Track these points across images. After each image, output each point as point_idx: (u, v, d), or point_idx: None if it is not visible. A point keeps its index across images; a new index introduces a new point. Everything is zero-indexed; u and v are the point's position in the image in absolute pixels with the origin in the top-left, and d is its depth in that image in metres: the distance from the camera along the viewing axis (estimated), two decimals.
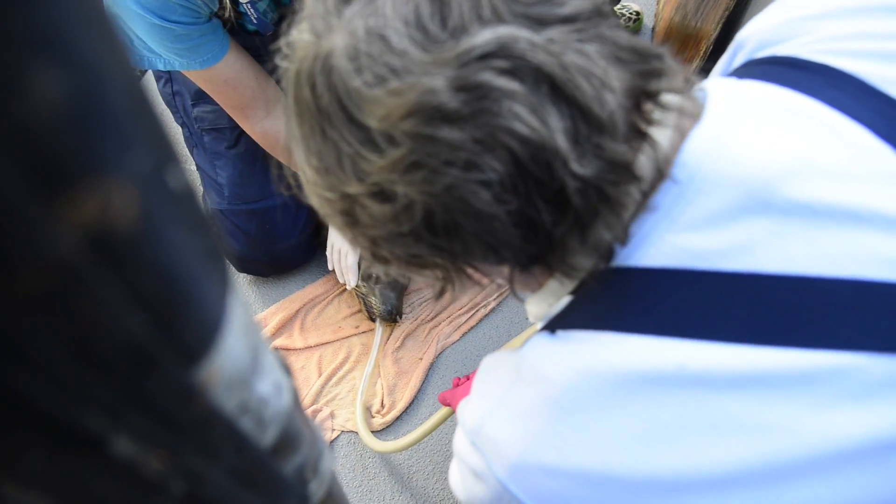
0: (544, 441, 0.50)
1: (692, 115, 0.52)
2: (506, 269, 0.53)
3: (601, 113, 0.45)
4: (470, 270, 0.54)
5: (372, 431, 1.45)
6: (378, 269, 0.55)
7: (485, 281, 0.57)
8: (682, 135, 0.51)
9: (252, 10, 1.27)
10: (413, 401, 1.50)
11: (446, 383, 1.52)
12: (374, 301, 1.53)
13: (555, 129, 0.44)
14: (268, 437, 0.30)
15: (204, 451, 0.25)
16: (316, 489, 0.39)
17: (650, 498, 0.48)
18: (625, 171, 0.47)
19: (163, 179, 0.17)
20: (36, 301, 0.15)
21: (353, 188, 0.47)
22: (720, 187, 0.49)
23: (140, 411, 0.20)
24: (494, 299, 1.63)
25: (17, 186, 0.14)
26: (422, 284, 1.60)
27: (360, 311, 1.61)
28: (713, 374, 0.47)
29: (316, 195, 0.52)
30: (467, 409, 0.57)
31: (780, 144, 0.51)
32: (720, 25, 1.57)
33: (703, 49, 1.63)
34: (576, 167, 0.45)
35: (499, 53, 0.43)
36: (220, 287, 0.22)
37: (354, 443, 1.46)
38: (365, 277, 1.52)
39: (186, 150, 1.63)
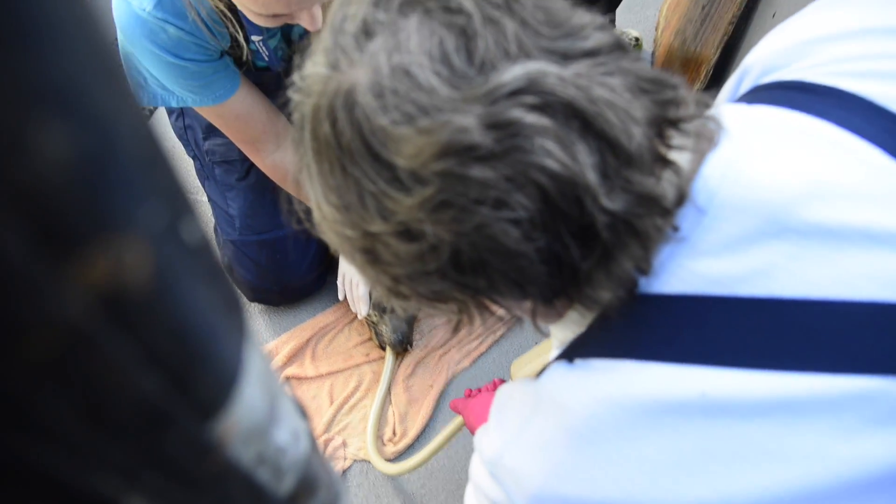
0: (565, 472, 0.50)
1: (708, 139, 0.52)
2: (528, 304, 0.53)
3: (629, 146, 0.45)
4: (490, 305, 0.53)
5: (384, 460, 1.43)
6: (395, 304, 0.54)
7: (504, 314, 0.56)
8: (700, 158, 0.51)
9: (263, 48, 1.28)
10: (425, 428, 1.49)
11: None
12: (385, 330, 1.52)
13: (584, 164, 0.44)
14: (285, 486, 0.29)
15: (222, 500, 0.24)
16: None
17: None
18: (654, 204, 0.47)
19: (177, 234, 0.17)
20: (46, 367, 0.14)
21: (377, 227, 0.46)
22: (738, 212, 0.49)
23: (154, 471, 0.19)
24: (504, 324, 1.62)
25: (23, 248, 0.13)
26: (436, 315, 1.58)
27: (370, 339, 1.60)
28: (737, 401, 0.46)
29: (334, 232, 0.50)
30: (486, 440, 0.56)
31: (796, 167, 0.51)
32: (719, 50, 1.57)
33: (703, 73, 1.63)
34: (605, 202, 0.44)
35: (529, 89, 0.43)
36: (236, 338, 0.21)
37: (367, 472, 1.44)
38: (375, 307, 1.51)
39: (198, 182, 1.64)
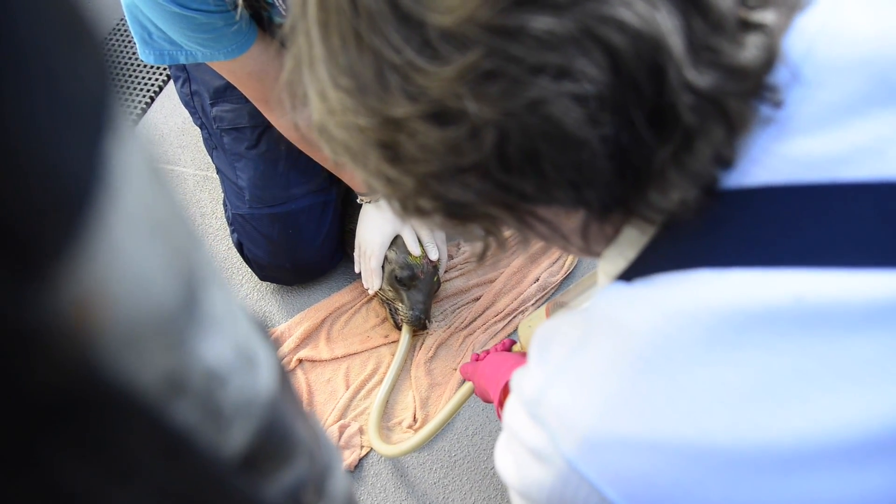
0: (624, 405, 0.41)
1: (795, 3, 0.43)
2: (580, 217, 0.44)
3: (719, 6, 0.37)
4: (533, 220, 0.44)
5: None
6: (413, 223, 0.46)
7: (547, 232, 0.46)
8: (789, 15, 0.43)
9: (281, 1, 1.18)
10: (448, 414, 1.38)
11: None
12: (402, 307, 1.41)
13: (667, 26, 0.36)
14: (234, 440, 0.19)
15: (90, 453, 0.14)
16: None
17: (766, 476, 0.38)
18: (747, 79, 0.39)
19: None
20: None
21: (401, 110, 0.39)
22: (838, 74, 0.41)
23: None
24: (533, 304, 1.51)
25: None
26: (461, 239, 1.48)
27: (387, 319, 1.50)
28: (842, 307, 0.38)
29: (342, 127, 0.42)
30: (525, 378, 0.47)
31: None
32: None
33: None
34: (692, 76, 0.37)
35: None
36: (90, 112, 0.11)
37: (385, 461, 1.34)
38: (391, 281, 1.41)
39: (206, 155, 1.56)
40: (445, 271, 1.54)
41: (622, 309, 0.43)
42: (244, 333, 0.18)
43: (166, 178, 0.14)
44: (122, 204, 0.12)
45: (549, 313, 1.00)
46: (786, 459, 0.38)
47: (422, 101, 0.38)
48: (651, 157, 0.40)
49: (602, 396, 0.42)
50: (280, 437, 0.22)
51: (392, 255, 1.42)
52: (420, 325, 1.41)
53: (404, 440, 1.32)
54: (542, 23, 0.35)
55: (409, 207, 0.45)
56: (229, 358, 0.17)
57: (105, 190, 0.12)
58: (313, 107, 0.44)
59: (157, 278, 0.14)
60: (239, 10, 1.11)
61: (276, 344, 0.22)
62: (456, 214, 0.44)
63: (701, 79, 0.37)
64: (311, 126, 0.45)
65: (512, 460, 0.49)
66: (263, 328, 0.21)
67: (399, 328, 1.47)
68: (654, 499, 0.40)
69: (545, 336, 0.48)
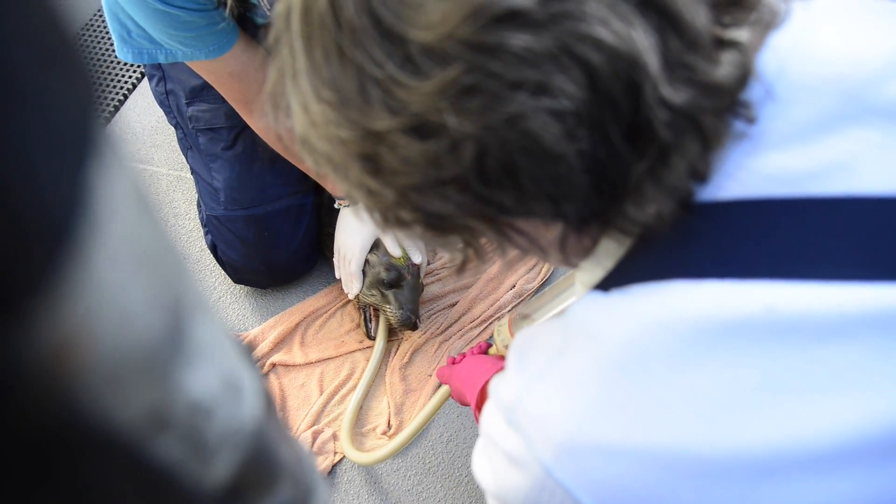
0: (599, 412, 0.42)
1: (771, 12, 0.44)
2: (558, 230, 0.45)
3: (694, 24, 0.38)
4: (511, 233, 0.46)
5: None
6: (393, 234, 0.46)
7: (525, 244, 0.47)
8: (763, 33, 0.44)
9: (266, 2, 1.17)
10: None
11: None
12: (389, 308, 1.38)
13: (643, 44, 0.37)
14: (218, 472, 0.18)
15: (70, 496, 0.13)
16: None
17: (737, 484, 0.39)
18: (723, 96, 0.40)
19: None
20: None
21: (382, 123, 0.39)
22: (809, 93, 0.42)
23: None
24: (508, 311, 1.51)
25: None
26: (440, 250, 1.47)
27: (360, 326, 1.48)
28: (812, 318, 0.39)
29: (325, 139, 0.42)
30: (502, 385, 0.48)
31: (877, 40, 0.44)
32: None
33: None
34: (667, 93, 0.38)
35: None
36: (74, 139, 0.10)
37: (359, 467, 1.33)
38: (376, 284, 1.38)
39: (181, 153, 1.54)
40: (424, 276, 1.53)
41: (599, 318, 0.44)
42: (230, 361, 0.17)
43: (152, 203, 0.13)
44: (107, 236, 0.11)
45: (511, 325, 1.00)
46: (757, 467, 0.39)
47: (403, 115, 0.39)
48: (627, 172, 0.40)
49: (578, 404, 0.43)
50: (265, 464, 0.21)
51: (374, 258, 1.39)
52: (411, 325, 1.38)
53: (378, 447, 1.31)
54: (520, 40, 0.36)
55: (389, 219, 0.45)
56: (215, 389, 0.16)
57: (89, 222, 0.11)
58: (296, 118, 0.44)
59: (143, 312, 0.13)
60: (228, 7, 1.10)
61: (258, 368, 0.21)
62: (436, 226, 0.44)
63: (676, 95, 0.38)
64: (294, 137, 0.45)
65: (489, 466, 0.49)
66: (248, 352, 0.20)
67: (371, 338, 1.45)
68: None
69: (524, 344, 0.49)
